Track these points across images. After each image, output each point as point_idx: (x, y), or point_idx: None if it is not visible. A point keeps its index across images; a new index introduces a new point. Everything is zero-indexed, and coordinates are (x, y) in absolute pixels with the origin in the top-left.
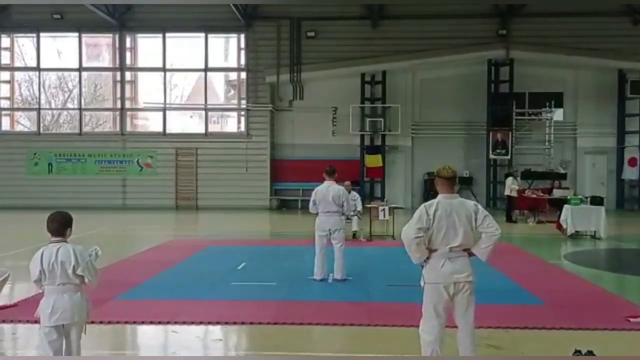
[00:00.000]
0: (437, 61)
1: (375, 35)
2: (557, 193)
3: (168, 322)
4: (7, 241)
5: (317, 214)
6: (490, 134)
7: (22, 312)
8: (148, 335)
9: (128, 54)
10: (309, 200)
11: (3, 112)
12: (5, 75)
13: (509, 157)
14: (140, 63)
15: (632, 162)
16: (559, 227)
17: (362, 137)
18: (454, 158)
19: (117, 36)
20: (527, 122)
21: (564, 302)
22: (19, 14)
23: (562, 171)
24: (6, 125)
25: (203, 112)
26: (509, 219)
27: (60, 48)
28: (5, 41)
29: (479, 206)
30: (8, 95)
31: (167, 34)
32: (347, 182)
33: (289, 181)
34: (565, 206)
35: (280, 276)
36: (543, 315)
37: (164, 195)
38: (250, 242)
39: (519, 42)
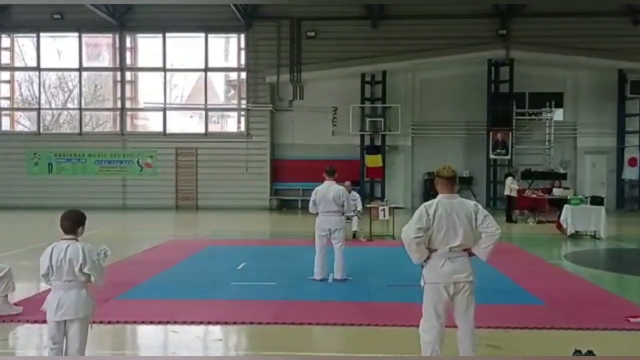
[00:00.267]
0: (437, 61)
1: (375, 35)
2: (557, 192)
3: (168, 322)
4: (7, 241)
5: (317, 214)
6: (490, 134)
7: (22, 312)
8: (148, 335)
9: (128, 54)
10: (309, 200)
11: (3, 112)
12: (5, 75)
13: (509, 157)
14: (140, 63)
15: (632, 162)
16: (559, 227)
17: (362, 137)
18: (454, 158)
19: (117, 36)
20: (527, 122)
21: (564, 302)
22: (19, 14)
23: (562, 171)
24: (6, 125)
25: (203, 112)
26: (509, 219)
27: (60, 48)
28: (5, 41)
29: (479, 206)
30: (8, 95)
31: (167, 34)
32: (347, 182)
33: (289, 181)
34: (565, 206)
35: (280, 276)
36: (543, 315)
37: (164, 195)
38: (250, 242)
39: (519, 42)
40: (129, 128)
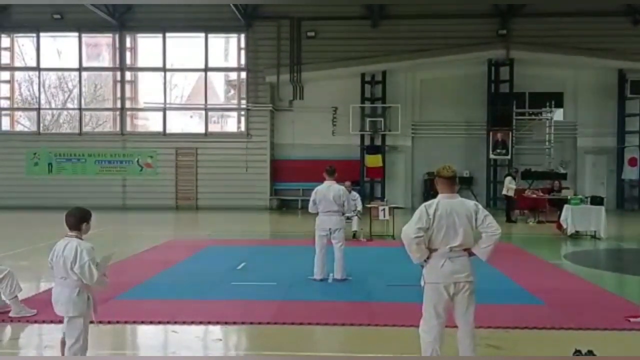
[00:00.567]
0: (437, 61)
1: (375, 35)
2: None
3: (168, 322)
4: (7, 241)
5: (317, 213)
6: (491, 134)
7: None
8: (148, 335)
9: (128, 54)
10: (309, 200)
11: (3, 112)
12: (5, 75)
13: (509, 157)
14: (140, 63)
15: (632, 162)
16: (559, 227)
17: (362, 137)
18: (454, 158)
19: (117, 36)
20: (527, 122)
21: (564, 302)
22: (19, 14)
23: (562, 171)
24: (6, 125)
25: (203, 112)
26: (509, 219)
27: (60, 48)
28: (5, 41)
29: (479, 206)
30: (8, 95)
31: (167, 34)
32: (347, 182)
33: (289, 181)
34: (566, 206)
35: (280, 276)
36: (543, 316)
37: (164, 195)
38: (250, 242)
39: (519, 42)
40: (129, 128)
